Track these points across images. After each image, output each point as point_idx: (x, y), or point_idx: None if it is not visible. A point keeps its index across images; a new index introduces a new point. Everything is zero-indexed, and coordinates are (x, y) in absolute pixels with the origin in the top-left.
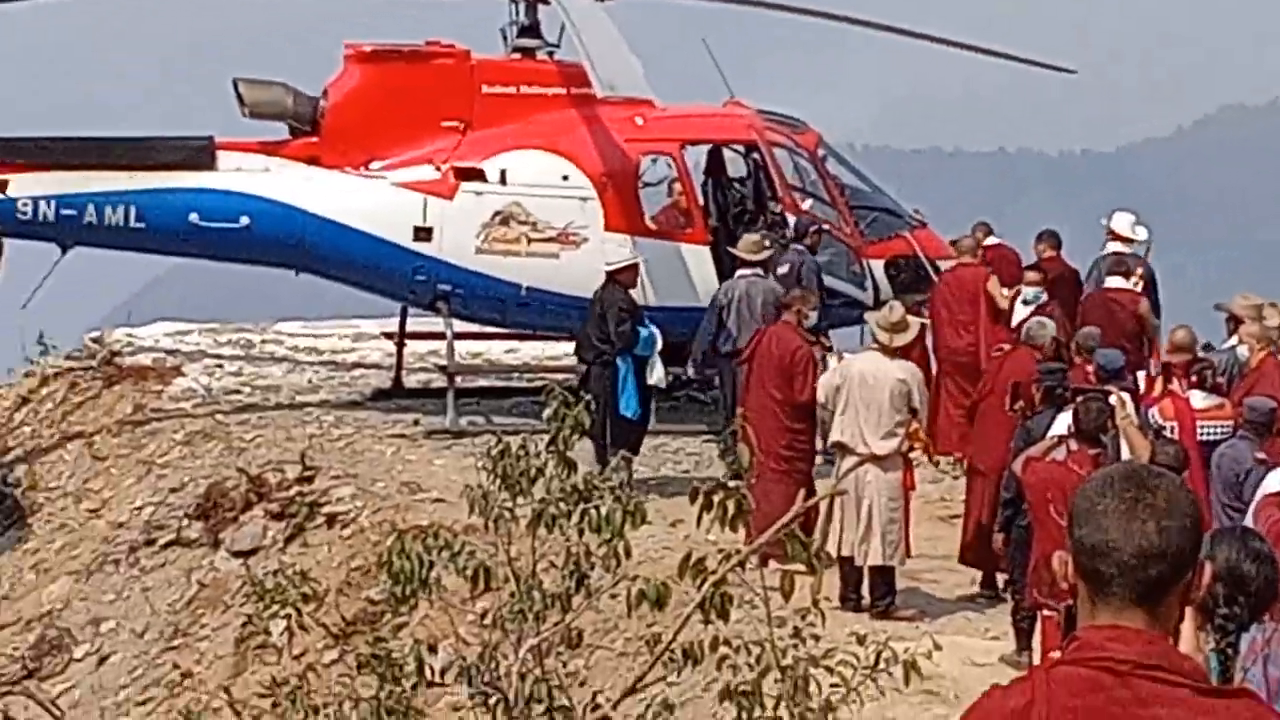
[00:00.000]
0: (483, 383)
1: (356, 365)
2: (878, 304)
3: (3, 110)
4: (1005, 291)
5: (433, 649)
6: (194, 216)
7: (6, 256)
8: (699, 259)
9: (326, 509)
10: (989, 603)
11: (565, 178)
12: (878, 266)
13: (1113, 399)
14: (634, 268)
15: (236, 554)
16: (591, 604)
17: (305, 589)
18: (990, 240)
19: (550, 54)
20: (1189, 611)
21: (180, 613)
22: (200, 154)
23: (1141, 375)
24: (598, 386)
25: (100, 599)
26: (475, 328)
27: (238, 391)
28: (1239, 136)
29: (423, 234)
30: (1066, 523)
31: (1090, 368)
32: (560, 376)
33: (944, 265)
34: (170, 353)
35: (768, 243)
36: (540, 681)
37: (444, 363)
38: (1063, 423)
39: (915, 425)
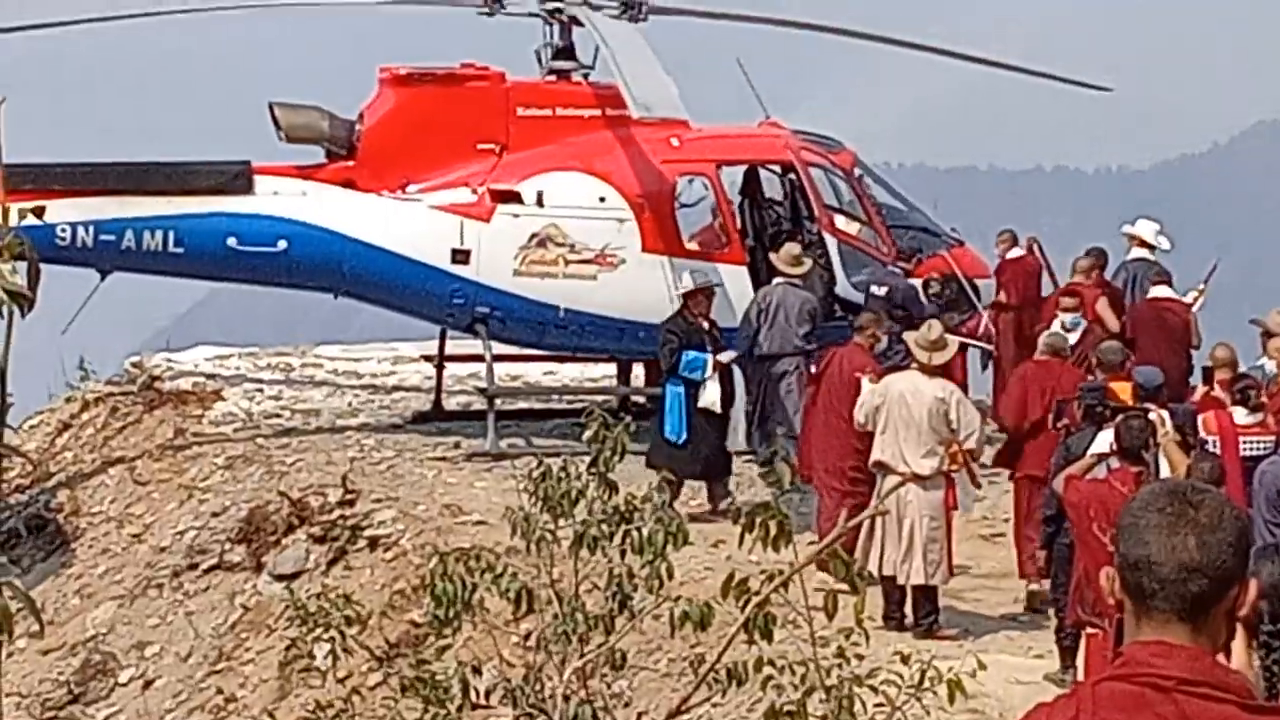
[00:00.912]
0: (522, 405)
1: (396, 388)
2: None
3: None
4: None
5: (477, 671)
6: (232, 241)
7: (43, 282)
8: (736, 280)
9: (368, 532)
10: (1032, 621)
11: (602, 199)
12: (916, 285)
13: (1152, 416)
14: (699, 293)
15: (279, 577)
16: (635, 625)
17: (348, 612)
18: (1014, 253)
19: (585, 76)
20: (1239, 629)
21: (224, 636)
22: (237, 178)
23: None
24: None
25: (144, 623)
26: (514, 350)
27: (278, 415)
28: (1275, 152)
29: (460, 256)
30: (1111, 539)
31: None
32: (600, 398)
33: (982, 284)
34: (210, 377)
35: (807, 258)
36: (585, 703)
37: (483, 385)
38: (1103, 441)
39: (955, 444)
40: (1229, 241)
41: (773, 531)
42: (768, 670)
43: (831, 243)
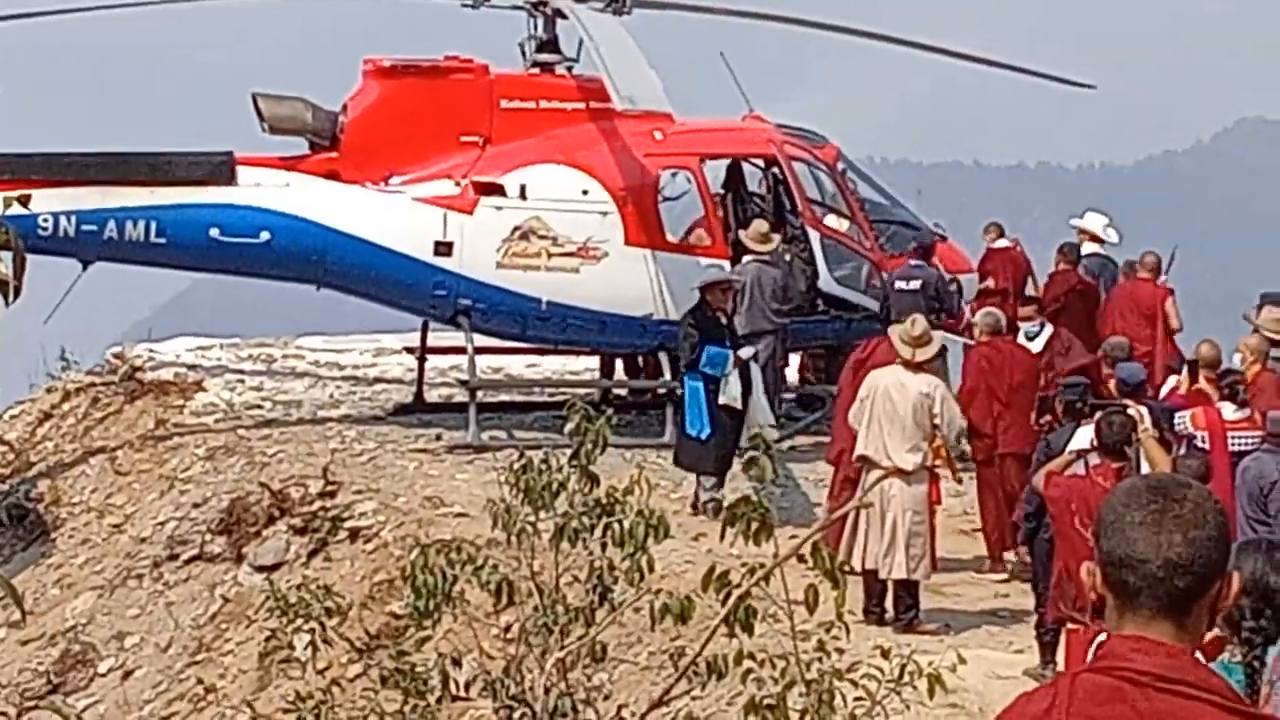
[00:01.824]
0: (504, 397)
1: (378, 380)
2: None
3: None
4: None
5: (457, 663)
6: (215, 232)
7: (27, 272)
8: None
9: (349, 524)
10: (1013, 616)
11: (585, 192)
12: (947, 277)
13: (1131, 412)
14: (717, 285)
15: (259, 569)
16: (615, 618)
17: (328, 603)
18: (1000, 243)
19: (569, 68)
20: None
21: (204, 627)
22: (220, 169)
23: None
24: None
25: (124, 614)
26: (496, 342)
27: (259, 406)
28: (1258, 149)
29: (443, 249)
30: (1093, 535)
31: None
32: (582, 391)
33: (964, 280)
34: (192, 368)
35: (775, 235)
36: (565, 695)
37: (465, 378)
38: (1083, 437)
39: (939, 439)
40: (1212, 237)
41: (754, 525)
42: (748, 663)
43: (814, 237)
